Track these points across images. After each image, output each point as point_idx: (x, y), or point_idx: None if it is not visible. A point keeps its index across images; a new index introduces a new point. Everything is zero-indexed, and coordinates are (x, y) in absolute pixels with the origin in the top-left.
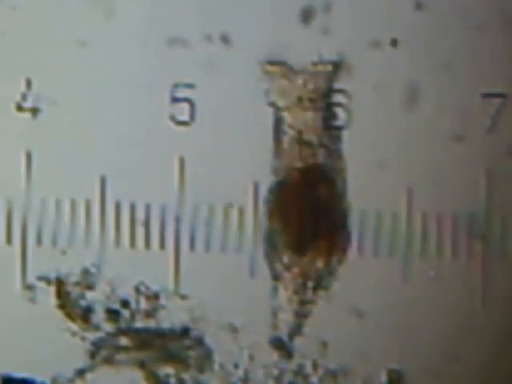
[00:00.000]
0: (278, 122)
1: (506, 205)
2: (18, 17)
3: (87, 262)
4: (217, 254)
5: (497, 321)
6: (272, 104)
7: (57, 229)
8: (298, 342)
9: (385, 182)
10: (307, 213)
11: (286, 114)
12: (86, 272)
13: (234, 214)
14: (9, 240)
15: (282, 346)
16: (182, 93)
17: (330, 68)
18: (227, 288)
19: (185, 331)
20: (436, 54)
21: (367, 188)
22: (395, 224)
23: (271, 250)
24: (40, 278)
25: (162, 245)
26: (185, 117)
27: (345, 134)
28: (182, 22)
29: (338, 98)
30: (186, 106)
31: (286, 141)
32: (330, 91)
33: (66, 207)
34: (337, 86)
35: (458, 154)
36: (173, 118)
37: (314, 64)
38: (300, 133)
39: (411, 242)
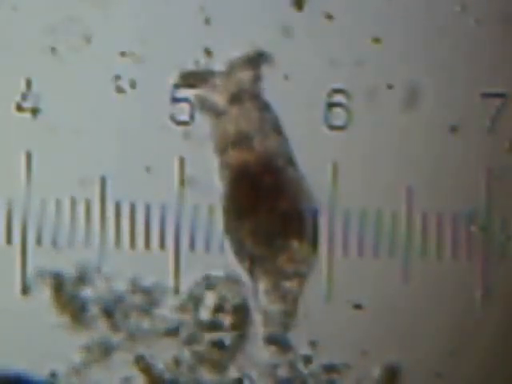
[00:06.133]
0: (215, 126)
1: (506, 204)
2: (19, 17)
3: (87, 261)
4: (217, 254)
5: (497, 320)
6: (205, 111)
7: (57, 229)
8: (294, 338)
9: (385, 182)
10: (259, 203)
11: (219, 118)
12: (82, 268)
13: None
14: (9, 240)
15: (276, 342)
16: (181, 93)
17: (247, 61)
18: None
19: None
20: (436, 54)
21: (367, 187)
22: (395, 224)
23: (239, 249)
24: (37, 274)
25: (162, 245)
26: (185, 117)
27: (345, 134)
28: (183, 21)
29: (338, 97)
30: (185, 106)
31: (226, 140)
32: (257, 81)
33: (66, 207)
34: (336, 86)
35: (458, 153)
36: (173, 118)
37: (230, 62)
38: (238, 130)
39: (411, 242)
